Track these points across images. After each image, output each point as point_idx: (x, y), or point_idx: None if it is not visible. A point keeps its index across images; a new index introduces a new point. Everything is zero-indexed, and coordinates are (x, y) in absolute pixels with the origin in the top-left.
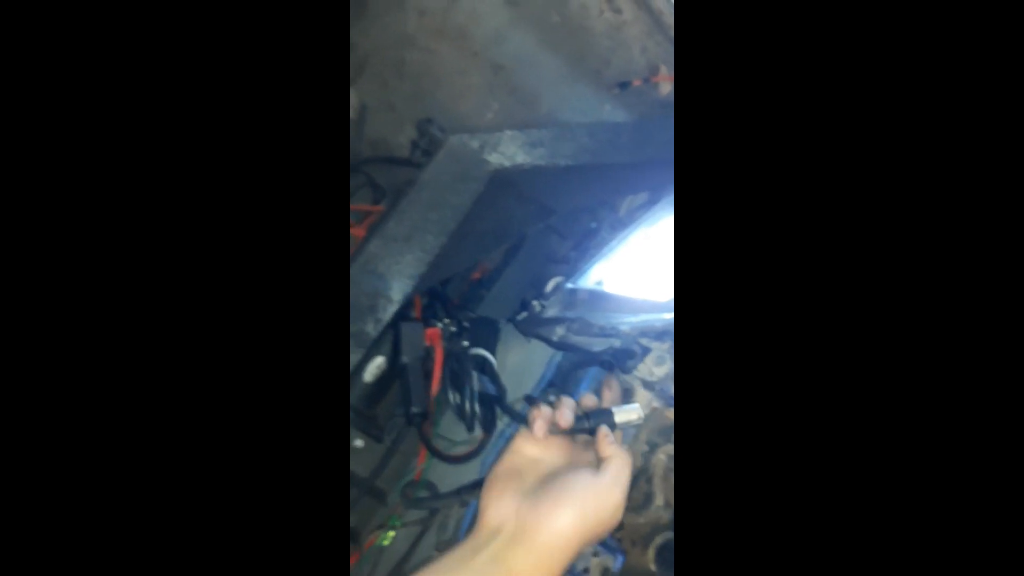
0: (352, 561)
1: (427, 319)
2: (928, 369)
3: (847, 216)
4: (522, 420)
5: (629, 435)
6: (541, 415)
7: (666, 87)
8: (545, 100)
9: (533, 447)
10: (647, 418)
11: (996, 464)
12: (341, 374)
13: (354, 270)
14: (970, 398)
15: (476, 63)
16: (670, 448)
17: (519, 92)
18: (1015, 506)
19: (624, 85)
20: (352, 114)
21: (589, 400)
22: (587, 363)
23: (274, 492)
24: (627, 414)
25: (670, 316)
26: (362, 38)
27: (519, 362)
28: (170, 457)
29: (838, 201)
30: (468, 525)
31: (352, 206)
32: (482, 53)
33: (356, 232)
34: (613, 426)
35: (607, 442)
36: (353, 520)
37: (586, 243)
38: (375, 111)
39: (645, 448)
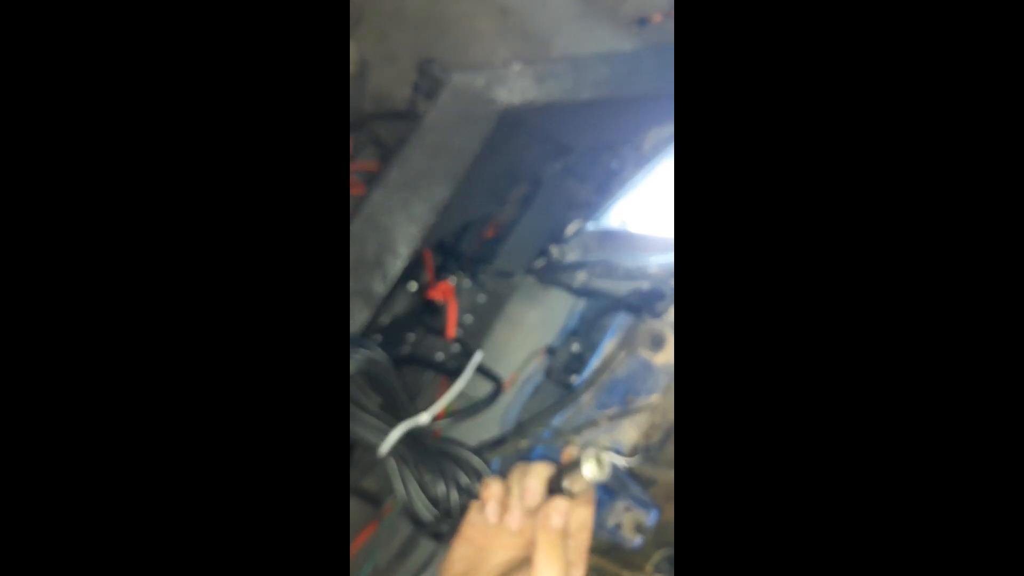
0: (372, 528)
1: (439, 273)
2: (931, 364)
3: (849, 156)
4: (473, 495)
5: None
6: (493, 494)
7: None
8: (558, 43)
9: (483, 534)
10: None
11: (996, 463)
12: (341, 339)
13: (357, 225)
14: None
15: (483, 6)
16: None
17: (530, 36)
18: (1015, 506)
19: (643, 22)
20: (353, 68)
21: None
22: (613, 309)
23: (274, 463)
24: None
25: None
26: None
27: (539, 317)
28: (170, 423)
29: (842, 139)
30: None
31: (356, 165)
32: None
33: (361, 192)
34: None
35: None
36: (373, 486)
37: (608, 185)
38: (376, 65)
39: None
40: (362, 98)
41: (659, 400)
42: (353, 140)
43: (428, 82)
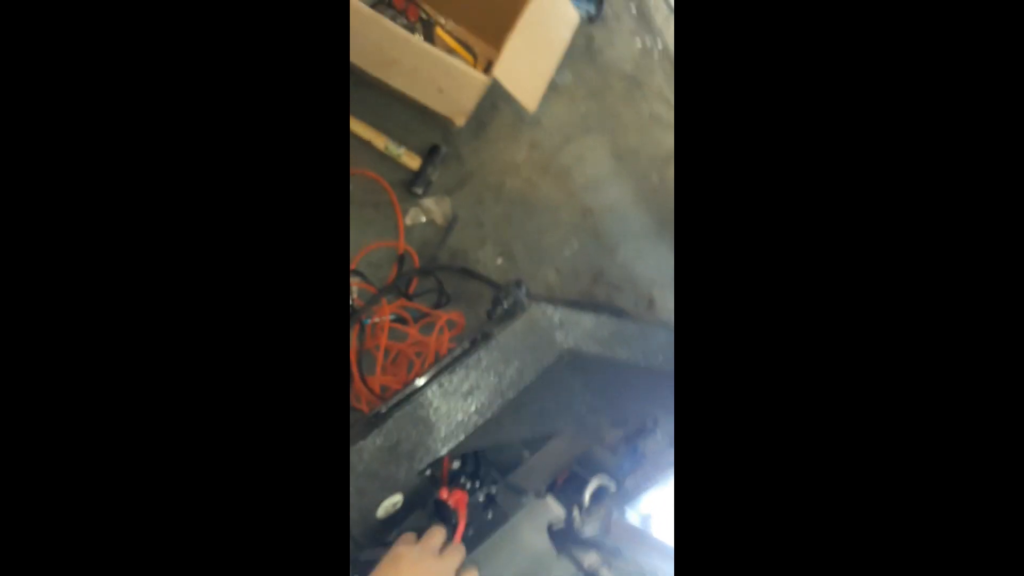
0: None
1: (456, 477)
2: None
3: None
4: None
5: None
6: None
7: None
8: (623, 250)
9: None
10: None
11: (996, 464)
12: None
13: (401, 415)
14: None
15: (570, 202)
16: None
17: (602, 237)
18: (1015, 506)
19: None
20: (442, 221)
21: None
22: None
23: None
24: None
25: None
26: (472, 156)
27: (536, 542)
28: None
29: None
30: None
31: (415, 304)
32: (578, 194)
33: (409, 330)
34: None
35: None
36: None
37: (637, 440)
38: (464, 223)
39: None
40: (442, 247)
41: None
42: (421, 283)
43: (511, 301)
